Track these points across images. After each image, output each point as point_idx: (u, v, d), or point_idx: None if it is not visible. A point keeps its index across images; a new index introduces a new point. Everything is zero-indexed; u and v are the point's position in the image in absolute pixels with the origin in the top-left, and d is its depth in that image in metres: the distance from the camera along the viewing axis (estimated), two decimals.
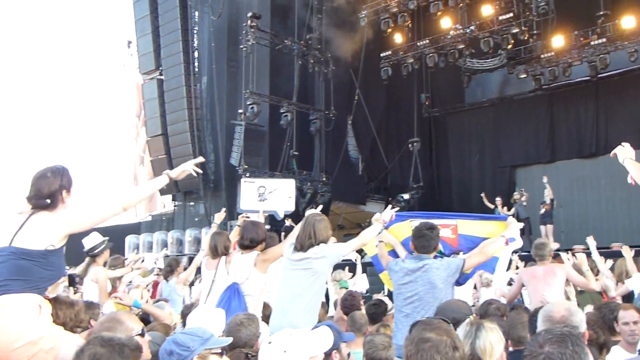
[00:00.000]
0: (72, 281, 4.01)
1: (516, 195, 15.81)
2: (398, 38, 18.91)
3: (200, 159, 3.89)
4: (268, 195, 14.74)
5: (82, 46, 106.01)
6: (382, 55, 18.97)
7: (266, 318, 5.30)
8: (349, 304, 6.02)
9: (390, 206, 5.56)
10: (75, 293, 3.86)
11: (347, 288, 8.39)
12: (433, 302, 4.72)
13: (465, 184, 20.12)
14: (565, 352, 2.16)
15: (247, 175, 17.25)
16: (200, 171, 3.53)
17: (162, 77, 21.29)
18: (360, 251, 8.70)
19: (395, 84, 19.38)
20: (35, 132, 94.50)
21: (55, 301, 3.38)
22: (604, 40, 16.53)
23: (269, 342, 2.74)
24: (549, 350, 2.17)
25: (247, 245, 5.51)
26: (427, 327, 2.45)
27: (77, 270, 7.43)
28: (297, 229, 5.22)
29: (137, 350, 2.64)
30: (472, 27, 17.40)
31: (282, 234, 10.19)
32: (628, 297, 7.17)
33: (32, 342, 3.00)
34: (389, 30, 18.12)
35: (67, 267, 10.02)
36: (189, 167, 3.78)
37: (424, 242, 5.01)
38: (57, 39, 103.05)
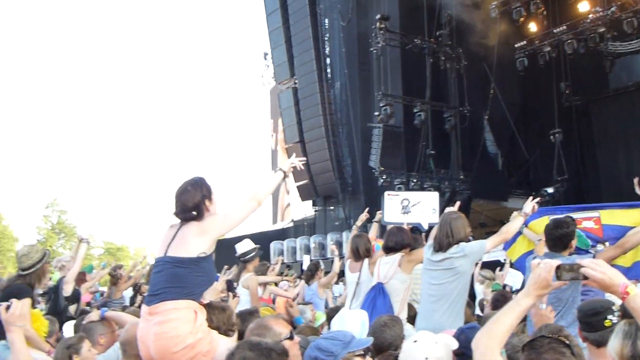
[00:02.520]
0: (230, 286, 4.60)
1: None
2: (532, 27, 18.64)
3: (303, 159, 4.19)
4: (412, 207, 14.92)
5: (223, 61, 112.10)
6: (516, 45, 18.71)
7: (411, 319, 5.52)
8: (500, 304, 5.75)
9: (530, 197, 5.37)
10: (233, 298, 4.42)
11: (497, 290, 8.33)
12: (558, 303, 4.72)
13: (614, 173, 19.31)
14: None
15: (384, 177, 17.85)
16: (304, 159, 4.06)
17: (297, 86, 22.44)
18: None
19: (532, 74, 19.02)
20: (179, 141, 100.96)
21: (208, 306, 3.57)
22: None
23: (415, 341, 2.81)
24: None
25: (391, 247, 5.73)
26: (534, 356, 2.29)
27: (229, 276, 8.23)
28: (435, 229, 5.27)
29: (283, 355, 2.73)
30: (613, 9, 16.76)
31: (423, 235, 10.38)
32: None
33: (191, 346, 3.26)
34: (522, 19, 17.86)
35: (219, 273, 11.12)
36: (294, 161, 4.02)
37: (554, 240, 4.95)
38: (202, 54, 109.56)
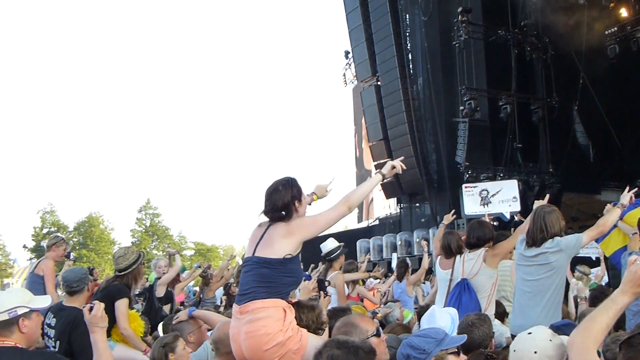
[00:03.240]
0: (322, 286, 4.64)
1: None
2: (623, 12, 17.99)
3: (402, 158, 4.04)
4: (491, 198, 14.74)
5: (305, 61, 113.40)
6: (607, 32, 18.20)
7: (499, 315, 5.54)
8: (598, 302, 5.60)
9: (627, 188, 5.24)
10: (324, 297, 4.43)
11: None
12: None
13: None
14: None
15: (470, 172, 17.68)
16: (405, 167, 3.92)
17: (379, 83, 22.51)
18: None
19: (624, 61, 18.44)
20: (266, 141, 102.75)
21: (297, 305, 3.61)
22: None
23: (529, 333, 2.77)
24: None
25: (474, 243, 5.70)
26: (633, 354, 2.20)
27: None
28: (526, 223, 5.17)
29: (371, 353, 2.73)
30: None
31: (512, 229, 10.22)
32: None
33: (281, 344, 3.29)
34: (612, 4, 17.40)
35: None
36: (396, 163, 3.88)
37: None
38: (285, 54, 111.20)
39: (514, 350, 2.75)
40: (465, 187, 15.05)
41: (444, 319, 3.94)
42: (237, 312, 3.50)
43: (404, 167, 3.91)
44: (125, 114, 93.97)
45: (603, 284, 9.06)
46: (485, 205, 13.79)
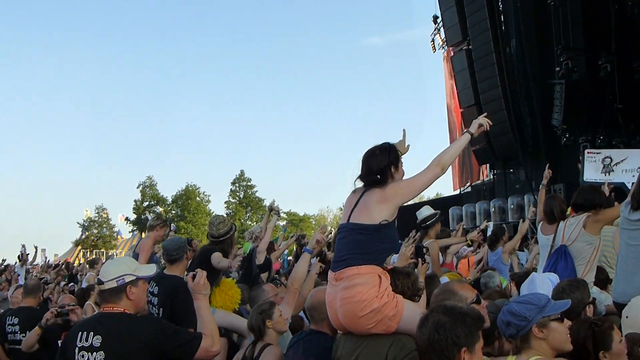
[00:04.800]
0: (420, 252, 4.63)
1: None
2: None
3: (485, 114, 3.97)
4: (614, 166, 14.22)
5: (394, 28, 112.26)
6: None
7: (600, 282, 5.41)
8: None
9: None
10: (422, 264, 4.40)
11: None
12: None
13: None
14: None
15: (567, 135, 17.08)
16: (491, 123, 3.79)
17: (470, 47, 21.93)
18: None
19: None
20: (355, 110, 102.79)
21: (392, 272, 3.60)
22: None
23: None
24: None
25: (580, 204, 5.59)
26: None
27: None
28: (635, 186, 5.01)
29: (479, 320, 2.73)
30: None
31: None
32: None
33: (376, 310, 3.29)
34: None
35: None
36: (482, 121, 3.82)
37: None
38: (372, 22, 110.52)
39: (627, 317, 2.70)
40: (588, 152, 14.55)
41: (544, 285, 3.93)
42: (332, 279, 3.54)
43: (491, 124, 3.82)
44: (219, 85, 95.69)
45: None
46: (607, 174, 13.23)
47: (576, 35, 17.53)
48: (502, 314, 3.10)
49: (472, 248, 9.79)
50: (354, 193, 3.70)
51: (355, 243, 3.47)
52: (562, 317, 3.06)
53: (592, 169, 13.29)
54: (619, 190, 13.11)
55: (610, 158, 13.42)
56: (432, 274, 5.44)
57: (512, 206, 21.21)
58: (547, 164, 7.29)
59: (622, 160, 13.47)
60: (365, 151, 3.71)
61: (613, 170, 13.06)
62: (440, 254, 7.41)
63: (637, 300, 2.73)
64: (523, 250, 11.52)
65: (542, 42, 19.16)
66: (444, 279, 5.19)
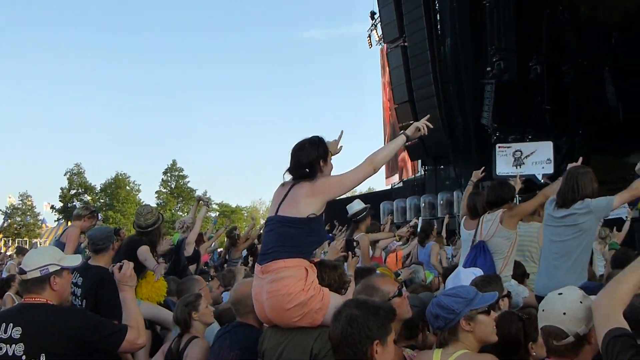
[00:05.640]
0: (350, 246, 4.59)
1: None
2: None
3: (427, 117, 3.94)
4: (524, 159, 14.63)
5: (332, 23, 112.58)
6: None
7: (518, 277, 5.50)
8: (621, 263, 5.51)
9: None
10: (352, 257, 4.39)
11: (616, 249, 8.17)
12: None
13: None
14: None
15: (498, 134, 17.39)
16: (431, 126, 3.76)
17: (406, 44, 22.09)
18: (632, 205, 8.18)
19: None
20: (290, 103, 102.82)
21: (319, 265, 3.59)
22: None
23: (560, 293, 2.72)
24: None
25: (493, 201, 5.73)
26: None
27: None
28: (555, 183, 5.20)
29: (391, 313, 2.80)
30: None
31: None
32: None
33: (303, 303, 3.28)
34: None
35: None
36: (420, 124, 3.81)
37: None
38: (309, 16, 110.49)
39: (543, 310, 2.69)
40: (499, 147, 14.92)
41: (469, 279, 3.98)
42: (259, 272, 3.49)
43: (430, 127, 3.82)
44: (152, 74, 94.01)
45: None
46: (518, 167, 13.68)
47: (509, 37, 17.83)
48: (431, 306, 3.12)
49: (400, 242, 9.93)
50: (282, 186, 3.67)
51: (283, 236, 3.44)
52: (488, 310, 3.10)
53: (504, 163, 13.68)
54: (531, 182, 13.58)
55: (521, 151, 13.86)
56: (370, 267, 5.43)
57: (441, 202, 21.57)
58: (483, 167, 7.43)
59: (531, 153, 13.93)
60: (295, 144, 3.67)
61: (524, 163, 13.50)
62: (369, 247, 7.46)
63: (553, 295, 2.69)
64: (448, 246, 11.68)
65: (476, 42, 19.35)
66: (377, 272, 5.18)
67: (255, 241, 10.85)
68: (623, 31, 17.67)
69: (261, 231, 10.34)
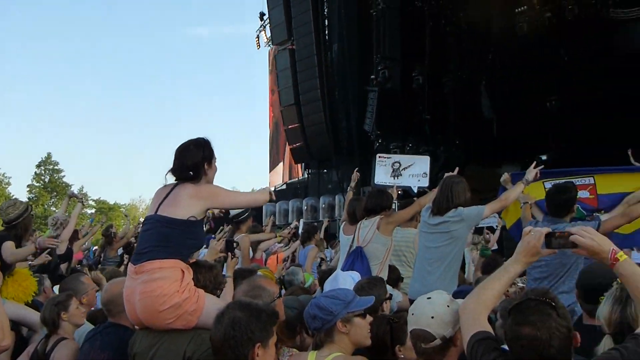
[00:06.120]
0: (230, 247, 4.54)
1: None
2: None
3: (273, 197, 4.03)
4: (402, 171, 14.99)
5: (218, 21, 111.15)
6: (517, 10, 18.69)
7: (392, 281, 5.57)
8: (491, 269, 5.83)
9: (534, 163, 5.43)
10: (232, 259, 4.34)
11: (486, 256, 8.43)
12: (561, 268, 4.83)
13: (610, 141, 19.39)
14: None
15: (380, 141, 17.77)
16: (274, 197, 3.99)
17: (294, 47, 22.16)
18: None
19: (531, 40, 19.03)
20: (177, 102, 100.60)
21: (195, 265, 3.55)
22: None
23: (428, 298, 2.76)
24: None
25: (371, 209, 5.79)
26: (521, 319, 2.22)
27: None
28: (431, 193, 5.39)
29: (274, 316, 2.79)
30: None
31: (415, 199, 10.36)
32: None
33: (177, 305, 3.22)
34: None
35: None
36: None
37: (556, 206, 5.06)
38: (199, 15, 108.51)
39: (412, 314, 2.74)
40: (379, 157, 15.17)
41: (347, 282, 4.07)
42: (132, 272, 3.40)
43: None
44: (26, 61, 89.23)
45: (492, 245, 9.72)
46: (396, 177, 13.98)
47: (394, 46, 18.26)
48: (310, 307, 3.15)
49: (281, 244, 9.89)
50: (165, 187, 3.59)
51: (161, 236, 3.37)
52: (364, 313, 3.16)
53: (383, 173, 13.94)
54: (407, 194, 14.11)
55: (399, 163, 14.18)
56: (251, 268, 5.38)
57: (323, 205, 21.76)
58: (357, 168, 7.55)
59: (409, 166, 14.30)
60: (179, 145, 3.60)
61: (401, 175, 13.79)
62: (250, 249, 7.43)
63: (422, 299, 2.76)
64: (328, 249, 11.80)
65: (362, 50, 19.69)
66: (259, 274, 5.16)
67: (133, 239, 10.52)
68: (499, 49, 18.59)
69: (138, 230, 10.00)
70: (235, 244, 4.47)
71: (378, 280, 4.21)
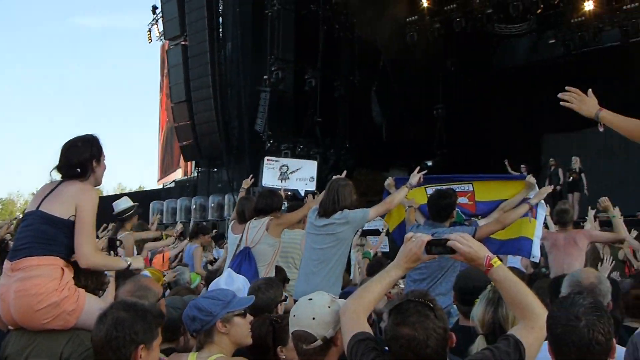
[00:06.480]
0: (113, 245, 4.39)
1: (552, 161, 16.34)
2: (424, 2, 19.11)
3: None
4: (290, 174, 15.13)
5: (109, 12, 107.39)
6: (408, 20, 19.22)
7: (279, 282, 5.54)
8: (375, 269, 5.94)
9: (418, 168, 5.54)
10: (115, 257, 4.20)
11: (370, 259, 8.45)
12: (439, 270, 5.01)
13: (490, 151, 20.43)
14: (603, 320, 2.23)
15: (271, 142, 17.81)
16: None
17: (187, 43, 21.80)
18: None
19: (421, 49, 19.63)
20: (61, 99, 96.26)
21: (76, 264, 3.42)
22: (637, 4, 16.67)
23: (310, 299, 2.77)
24: (589, 321, 2.22)
25: (261, 209, 5.79)
26: (400, 320, 2.28)
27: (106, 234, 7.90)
28: (321, 195, 5.39)
29: (159, 317, 2.77)
30: None
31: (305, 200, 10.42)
32: None
33: (55, 304, 3.12)
34: None
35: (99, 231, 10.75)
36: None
37: (437, 210, 5.23)
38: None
39: (294, 315, 2.76)
40: (267, 159, 15.32)
41: (237, 282, 3.95)
42: (8, 269, 3.26)
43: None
44: None
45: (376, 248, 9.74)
46: (283, 180, 14.10)
47: (288, 48, 18.44)
48: (189, 308, 3.11)
49: (168, 243, 9.66)
50: (50, 183, 3.46)
51: (40, 232, 3.26)
52: (244, 313, 3.16)
53: (270, 176, 14.09)
54: (295, 198, 14.30)
55: (287, 167, 14.40)
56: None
57: (212, 205, 21.46)
58: (251, 175, 7.62)
59: (297, 170, 14.56)
60: (66, 141, 3.49)
61: (288, 178, 14.00)
62: (135, 247, 7.25)
63: (303, 300, 2.78)
64: (215, 248, 11.71)
65: (256, 49, 19.67)
66: (146, 273, 5.02)
67: (8, 236, 9.97)
68: (390, 56, 19.10)
69: (11, 226, 9.51)
70: (118, 242, 4.35)
71: (275, 282, 4.22)
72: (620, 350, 2.83)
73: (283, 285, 5.54)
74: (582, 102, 3.45)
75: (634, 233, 7.30)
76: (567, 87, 3.52)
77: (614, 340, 2.26)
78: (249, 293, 3.83)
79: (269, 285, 3.99)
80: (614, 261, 6.46)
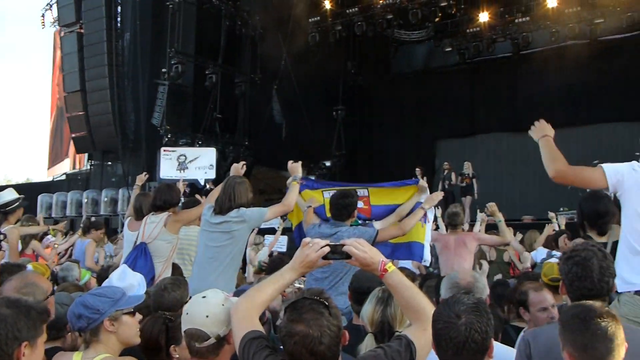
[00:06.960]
0: None
1: (446, 165, 16.92)
2: (327, 4, 19.41)
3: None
4: (188, 164, 14.90)
5: None
6: (310, 20, 19.36)
7: None
8: (274, 266, 6.10)
9: (300, 162, 5.68)
10: None
11: (262, 270, 8.44)
12: (341, 268, 5.10)
13: (387, 153, 20.97)
14: (482, 320, 2.30)
15: (169, 136, 17.46)
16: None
17: (82, 31, 21.04)
18: (283, 217, 8.70)
19: (322, 50, 19.82)
20: None
21: None
22: (528, 18, 17.90)
23: (203, 297, 2.77)
24: (468, 320, 2.29)
25: (159, 205, 5.73)
26: (295, 317, 2.32)
27: None
28: (217, 191, 5.39)
29: (44, 314, 2.66)
30: None
31: (204, 197, 10.45)
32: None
33: None
34: None
35: None
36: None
37: (339, 209, 5.35)
38: None
39: (187, 313, 2.75)
40: (164, 150, 15.03)
41: (130, 278, 3.80)
42: None
43: None
44: None
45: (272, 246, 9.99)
46: (182, 171, 13.85)
47: (188, 42, 18.19)
48: (74, 306, 3.00)
49: (55, 238, 9.56)
50: None
51: None
52: (134, 312, 3.10)
53: (168, 166, 13.87)
54: (194, 187, 14.13)
55: (185, 156, 14.25)
56: (21, 263, 5.12)
57: (105, 199, 20.82)
58: (144, 172, 7.62)
59: (195, 158, 14.43)
60: None
61: (187, 168, 13.83)
62: (19, 242, 6.97)
63: (197, 298, 2.76)
64: (107, 244, 11.42)
65: (156, 42, 19.27)
66: (30, 268, 4.92)
67: None
68: (291, 55, 19.21)
69: None
70: (2, 236, 4.16)
71: (182, 282, 4.17)
72: (502, 350, 2.98)
73: None
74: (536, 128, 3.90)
75: (519, 236, 7.83)
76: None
77: (492, 340, 2.36)
78: (155, 291, 3.83)
79: (175, 285, 3.95)
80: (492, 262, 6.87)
